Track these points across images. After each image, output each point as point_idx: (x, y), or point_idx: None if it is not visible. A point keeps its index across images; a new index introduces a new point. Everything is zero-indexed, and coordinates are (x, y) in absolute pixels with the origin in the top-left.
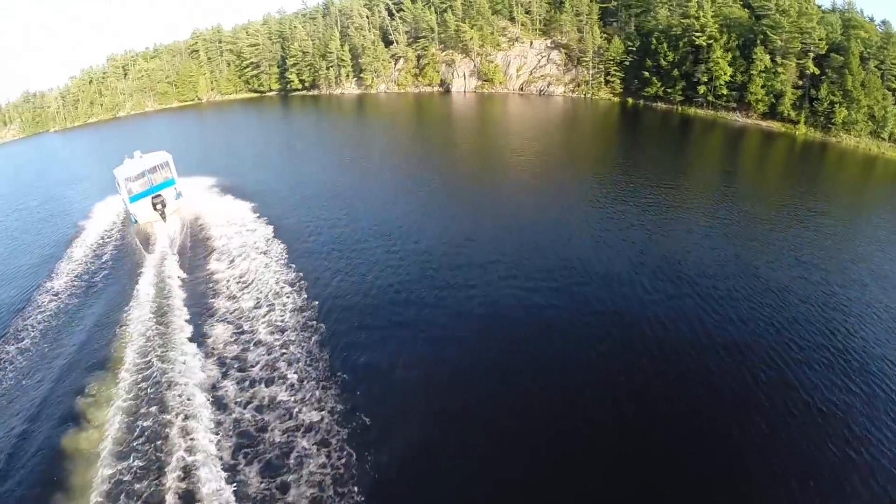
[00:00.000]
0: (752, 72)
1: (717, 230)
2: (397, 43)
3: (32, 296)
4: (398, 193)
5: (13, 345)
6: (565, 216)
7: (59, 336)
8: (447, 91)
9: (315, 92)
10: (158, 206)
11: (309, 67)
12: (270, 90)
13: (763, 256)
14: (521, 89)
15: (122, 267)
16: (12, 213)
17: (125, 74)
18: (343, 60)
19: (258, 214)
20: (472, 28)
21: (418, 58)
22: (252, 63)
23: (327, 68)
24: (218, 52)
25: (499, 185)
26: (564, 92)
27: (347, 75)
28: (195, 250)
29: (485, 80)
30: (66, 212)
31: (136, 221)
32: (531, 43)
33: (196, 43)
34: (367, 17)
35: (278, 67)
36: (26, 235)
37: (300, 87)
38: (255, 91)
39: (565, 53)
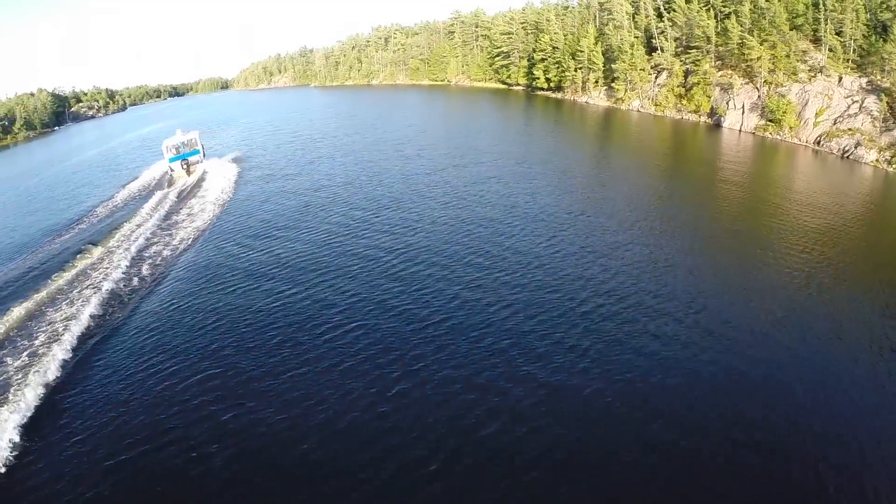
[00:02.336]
0: None
1: None
2: (662, 51)
3: (96, 208)
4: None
5: (71, 229)
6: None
7: (105, 219)
8: (717, 125)
9: (559, 95)
10: (184, 166)
11: (556, 66)
12: (517, 84)
13: None
14: (818, 143)
15: (150, 194)
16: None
17: (385, 45)
18: (594, 63)
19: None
20: (761, 44)
21: (686, 74)
22: (502, 52)
23: (575, 69)
24: (473, 36)
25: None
26: (877, 160)
27: (597, 81)
28: (192, 193)
29: (769, 120)
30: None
31: (171, 174)
32: (840, 78)
33: (453, 24)
34: (631, 16)
35: (528, 61)
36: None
37: (545, 86)
38: (503, 83)
39: (886, 102)
